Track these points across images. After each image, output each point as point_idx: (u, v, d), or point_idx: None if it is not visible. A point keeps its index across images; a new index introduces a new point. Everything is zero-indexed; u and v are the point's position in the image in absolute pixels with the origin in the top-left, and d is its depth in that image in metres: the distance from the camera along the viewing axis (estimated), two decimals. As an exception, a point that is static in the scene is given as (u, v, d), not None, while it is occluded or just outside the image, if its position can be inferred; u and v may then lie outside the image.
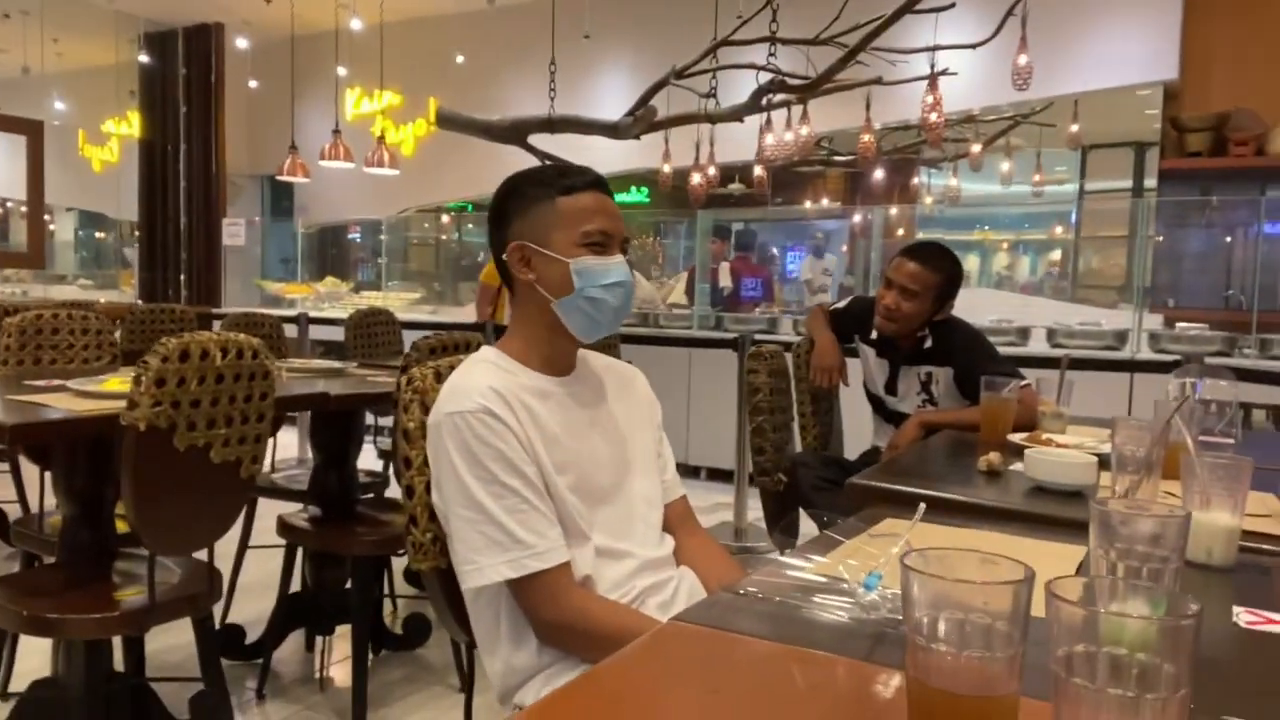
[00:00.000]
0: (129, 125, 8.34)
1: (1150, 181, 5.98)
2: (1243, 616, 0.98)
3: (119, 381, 2.24)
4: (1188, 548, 1.20)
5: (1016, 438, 1.98)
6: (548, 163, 1.47)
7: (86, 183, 8.88)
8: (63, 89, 9.04)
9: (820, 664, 0.82)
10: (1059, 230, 8.28)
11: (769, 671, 0.82)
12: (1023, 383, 2.20)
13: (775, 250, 8.78)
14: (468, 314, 7.36)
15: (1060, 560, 1.19)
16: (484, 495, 1.21)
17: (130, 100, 8.51)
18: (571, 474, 1.29)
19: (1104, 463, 1.58)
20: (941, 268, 2.41)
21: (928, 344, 2.48)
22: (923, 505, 1.05)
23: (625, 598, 1.29)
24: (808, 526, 2.57)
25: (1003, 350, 3.04)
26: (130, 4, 7.55)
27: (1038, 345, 4.57)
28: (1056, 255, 8.44)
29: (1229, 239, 5.90)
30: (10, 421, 1.79)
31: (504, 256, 1.37)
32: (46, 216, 8.80)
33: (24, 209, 8.28)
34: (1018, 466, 1.72)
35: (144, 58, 8.27)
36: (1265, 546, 1.26)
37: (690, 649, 0.87)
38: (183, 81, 8.33)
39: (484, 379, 1.28)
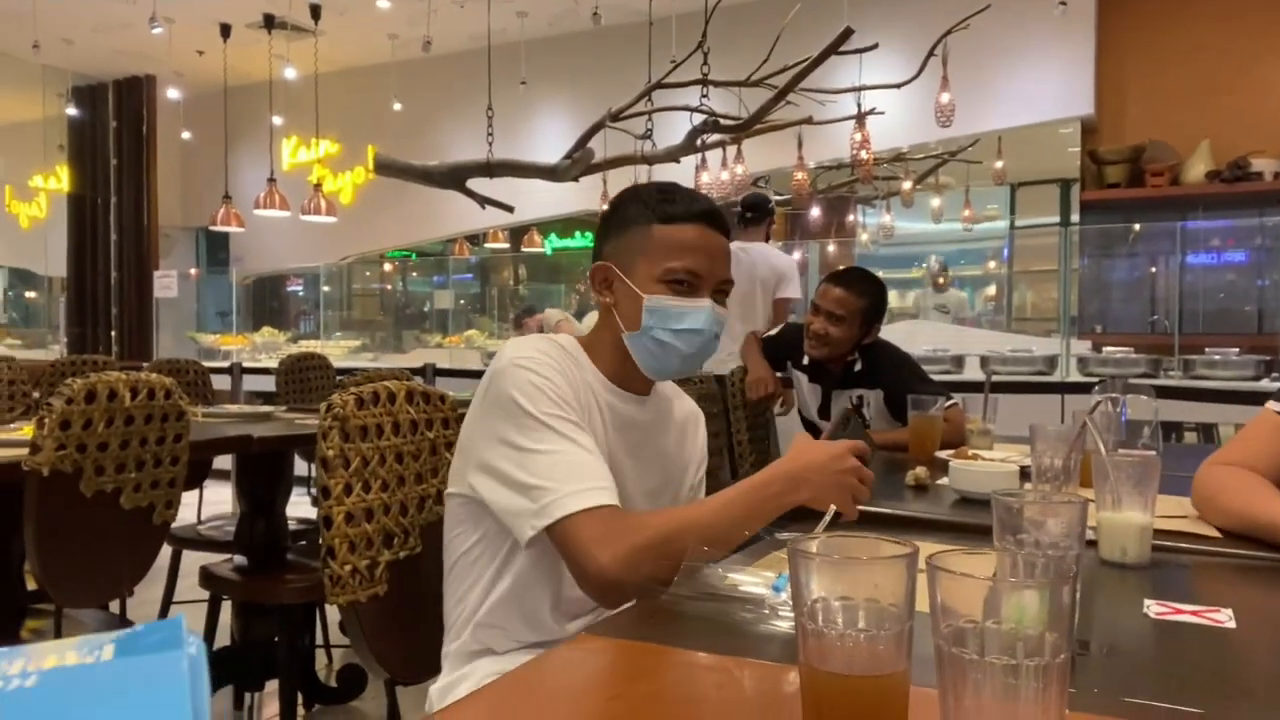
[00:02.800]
0: (57, 180, 8.15)
1: (1075, 216, 6.19)
2: (1153, 608, 0.98)
3: (30, 429, 2.15)
4: (1101, 550, 1.21)
5: (944, 454, 2.00)
6: (662, 188, 1.32)
7: (14, 240, 8.65)
8: (-12, 144, 8.84)
9: (726, 667, 0.80)
10: (992, 265, 8.50)
11: (674, 677, 0.80)
12: (949, 402, 2.23)
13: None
14: (409, 359, 7.27)
15: (979, 563, 1.19)
16: (564, 427, 1.12)
17: (59, 154, 8.34)
18: None
19: (1025, 473, 1.59)
20: (866, 292, 2.45)
21: (857, 367, 2.51)
22: (833, 507, 1.04)
23: None
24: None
25: (938, 377, 3.10)
26: (58, 58, 7.44)
27: (972, 372, 4.65)
28: (992, 290, 8.65)
29: (1152, 267, 6.12)
30: (-98, 472, 1.71)
31: (588, 273, 1.31)
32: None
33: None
34: (944, 481, 1.73)
35: (73, 111, 8.14)
36: (1182, 545, 1.28)
37: (599, 659, 0.85)
38: (113, 134, 8.20)
39: (557, 353, 1.22)
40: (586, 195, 6.63)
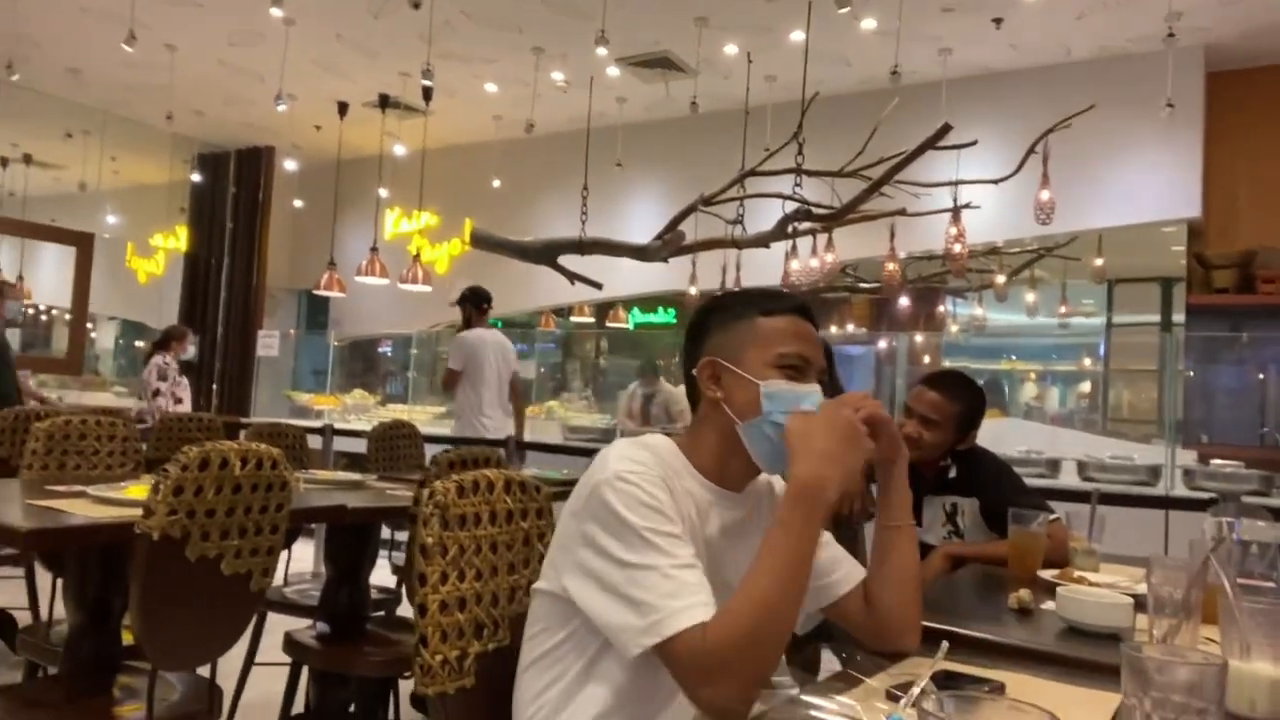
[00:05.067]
0: (176, 239, 8.66)
1: (1178, 316, 5.98)
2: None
3: (138, 489, 2.24)
4: (1228, 698, 1.14)
5: (1048, 574, 1.91)
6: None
7: (131, 293, 9.16)
8: (116, 204, 9.47)
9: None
10: (1087, 362, 8.25)
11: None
12: (1052, 516, 2.14)
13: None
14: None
15: (1093, 707, 1.13)
16: (667, 543, 1.13)
17: (180, 216, 8.88)
18: None
19: (1139, 604, 1.51)
20: (962, 397, 2.39)
21: (952, 474, 2.43)
22: (945, 644, 1.00)
23: None
24: (829, 661, 2.46)
25: (1032, 483, 2.98)
26: (188, 127, 7.98)
27: (1068, 478, 4.47)
28: (1086, 387, 8.39)
29: (1261, 375, 5.84)
30: (25, 527, 1.79)
31: (694, 371, 1.34)
32: (89, 325, 9.06)
33: (67, 316, 8.54)
34: (1049, 605, 1.66)
35: (196, 176, 8.68)
36: (1315, 701, 1.18)
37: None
38: (231, 199, 8.70)
39: (655, 461, 1.23)
40: (675, 275, 6.71)
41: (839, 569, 1.40)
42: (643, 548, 1.12)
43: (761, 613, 1.06)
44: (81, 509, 2.02)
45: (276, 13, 4.85)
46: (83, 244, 7.54)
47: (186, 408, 6.65)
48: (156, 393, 6.41)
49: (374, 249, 6.69)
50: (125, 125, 8.07)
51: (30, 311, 9.81)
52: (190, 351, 6.82)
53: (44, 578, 3.09)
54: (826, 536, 1.43)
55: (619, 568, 1.13)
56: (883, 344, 7.94)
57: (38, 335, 10.45)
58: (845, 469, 1.16)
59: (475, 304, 5.54)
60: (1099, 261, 5.98)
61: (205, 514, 1.81)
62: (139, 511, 1.82)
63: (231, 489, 1.86)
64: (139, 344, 11.94)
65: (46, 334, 10.64)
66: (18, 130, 8.16)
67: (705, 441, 1.32)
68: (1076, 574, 1.94)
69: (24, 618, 3.42)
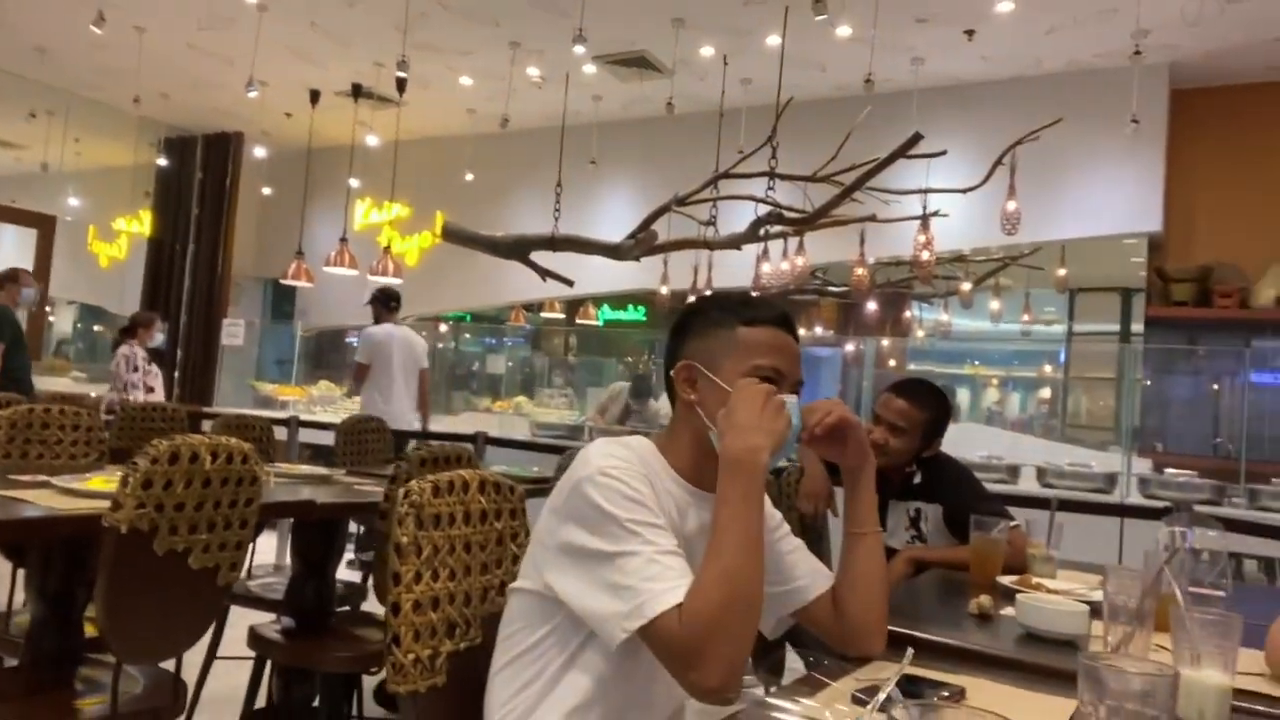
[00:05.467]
0: (140, 224, 8.53)
1: (1137, 326, 6.12)
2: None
3: (103, 480, 2.22)
4: (1179, 707, 1.18)
5: (1006, 580, 1.96)
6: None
7: (92, 277, 9.00)
8: (79, 186, 9.28)
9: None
10: (1048, 369, 8.39)
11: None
12: (1012, 523, 2.20)
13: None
14: (459, 422, 7.35)
15: (1049, 714, 1.17)
16: (650, 532, 1.15)
17: (144, 200, 8.72)
18: None
19: (1095, 611, 1.56)
20: (929, 405, 2.44)
21: (916, 479, 2.49)
22: (910, 650, 1.03)
23: None
24: (795, 664, 2.50)
25: (992, 488, 3.05)
26: (155, 110, 7.85)
27: (1027, 484, 4.57)
28: (1046, 394, 8.54)
29: (1216, 387, 5.99)
30: (-11, 517, 1.77)
31: (672, 372, 1.36)
32: (48, 309, 8.87)
33: (27, 299, 8.35)
34: (1009, 611, 1.70)
35: (162, 161, 8.54)
36: (1258, 707, 1.24)
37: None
38: (198, 185, 8.57)
39: (638, 460, 1.25)
40: (646, 274, 6.73)
41: (807, 574, 1.43)
42: (626, 537, 1.15)
43: (725, 585, 1.09)
44: (46, 500, 1.99)
45: (250, -1, 4.80)
46: (44, 226, 7.40)
47: (159, 397, 6.50)
48: (127, 385, 6.27)
49: (343, 239, 6.63)
50: (91, 106, 7.92)
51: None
52: (158, 339, 6.65)
53: (1, 565, 3.04)
54: (796, 542, 1.46)
55: (602, 559, 1.15)
56: (850, 347, 8.04)
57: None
58: (773, 436, 1.19)
59: (384, 303, 5.87)
60: (1061, 272, 6.10)
61: (174, 508, 1.80)
62: (105, 504, 1.81)
63: (201, 483, 1.85)
64: (97, 328, 11.73)
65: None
66: (-23, 107, 7.97)
67: (681, 442, 1.35)
68: (1035, 580, 1.99)
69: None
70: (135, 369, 6.33)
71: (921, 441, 2.44)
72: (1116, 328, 7.12)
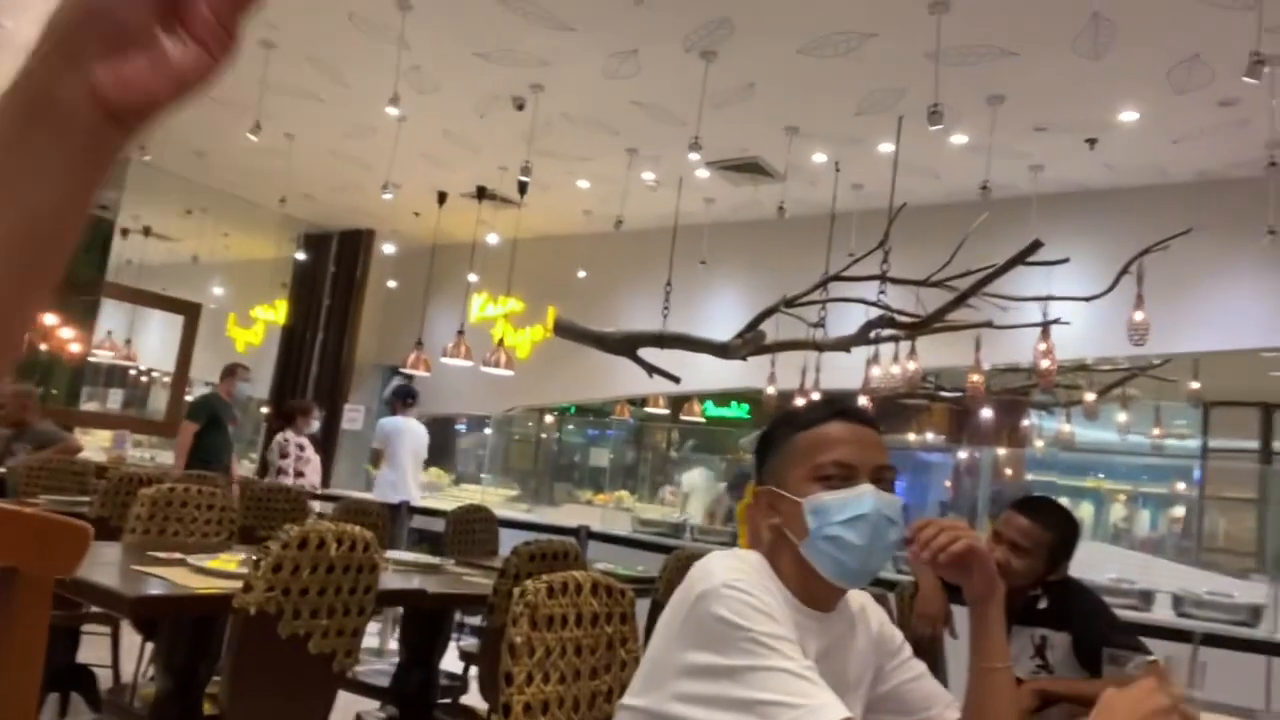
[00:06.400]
0: (275, 312, 9.10)
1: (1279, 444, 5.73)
2: None
3: (230, 560, 2.33)
4: None
5: (1145, 721, 1.82)
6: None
7: (227, 360, 9.59)
8: (224, 276, 10.01)
9: None
10: (1180, 486, 7.91)
11: None
12: (1149, 658, 2.05)
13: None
14: (561, 514, 7.40)
15: None
16: (784, 646, 1.09)
17: (281, 290, 9.32)
18: None
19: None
20: (1055, 524, 2.32)
21: (1042, 604, 2.35)
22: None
23: None
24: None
25: (1123, 615, 2.86)
26: (297, 209, 8.46)
27: (1162, 611, 4.25)
28: (1179, 512, 8.02)
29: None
30: (130, 594, 1.87)
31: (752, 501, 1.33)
32: (186, 389, 9.48)
33: (166, 380, 8.96)
34: (1148, 756, 1.57)
35: (300, 255, 9.14)
36: None
37: None
38: (330, 278, 9.12)
39: (759, 575, 1.21)
40: (753, 373, 6.72)
41: (935, 704, 1.36)
42: (765, 652, 1.08)
43: None
44: (181, 577, 2.10)
45: (392, 111, 5.16)
46: (190, 313, 7.96)
47: (311, 482, 6.69)
48: (279, 471, 6.51)
49: (460, 331, 6.89)
50: (240, 204, 8.59)
51: (132, 373, 10.31)
52: (314, 426, 6.96)
53: (132, 638, 3.18)
54: (920, 667, 1.40)
55: (738, 677, 1.08)
56: (963, 454, 7.77)
57: (136, 396, 10.95)
58: None
59: (401, 399, 7.05)
60: (1195, 385, 5.80)
61: (299, 592, 1.87)
62: (235, 584, 1.89)
63: (325, 569, 1.92)
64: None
65: (144, 395, 11.15)
66: (141, 203, 8.75)
67: (784, 564, 1.29)
68: (1177, 723, 1.84)
69: (103, 675, 3.52)
70: (285, 455, 6.58)
71: (1046, 564, 2.31)
72: (1256, 444, 6.69)
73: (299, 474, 6.63)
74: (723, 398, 10.96)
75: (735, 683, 1.08)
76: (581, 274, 7.69)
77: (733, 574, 1.17)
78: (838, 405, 1.30)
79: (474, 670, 3.28)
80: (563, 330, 6.73)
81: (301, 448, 6.73)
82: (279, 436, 6.66)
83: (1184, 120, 5.01)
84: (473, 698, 2.93)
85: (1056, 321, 4.87)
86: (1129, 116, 5.00)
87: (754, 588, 1.15)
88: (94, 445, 7.74)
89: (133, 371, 10.09)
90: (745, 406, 11.52)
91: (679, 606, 1.20)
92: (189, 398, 10.20)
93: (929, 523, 1.33)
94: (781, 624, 1.13)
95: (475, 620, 4.10)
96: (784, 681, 1.06)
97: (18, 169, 0.44)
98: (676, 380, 6.56)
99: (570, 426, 11.62)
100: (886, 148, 5.48)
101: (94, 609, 3.18)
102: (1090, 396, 5.91)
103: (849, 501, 1.22)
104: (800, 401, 6.10)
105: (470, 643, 3.64)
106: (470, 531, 3.95)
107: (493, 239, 7.70)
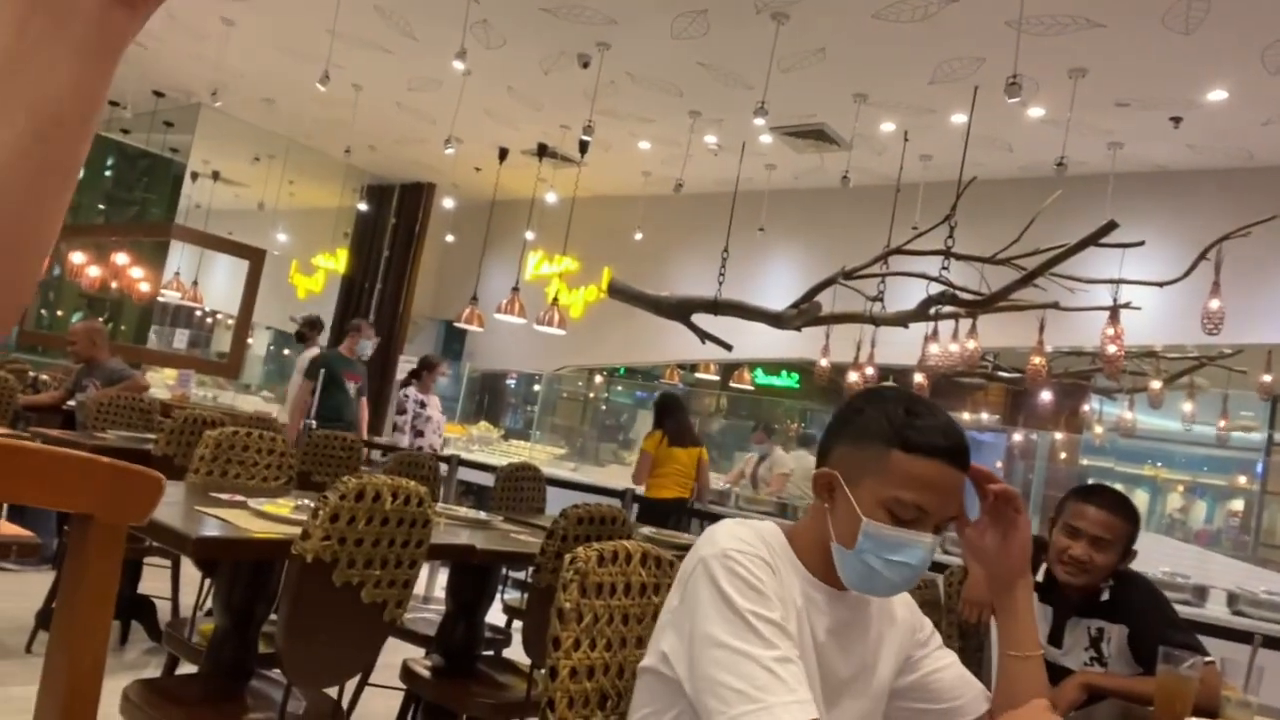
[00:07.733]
0: (336, 261, 9.25)
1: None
2: None
3: (288, 505, 2.38)
4: None
5: (1196, 723, 1.78)
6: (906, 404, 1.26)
7: (288, 306, 9.80)
8: (288, 223, 10.18)
9: None
10: (1242, 480, 7.69)
11: None
12: (1206, 659, 2.00)
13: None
14: (607, 475, 7.45)
15: None
16: (767, 630, 1.10)
17: (342, 240, 9.47)
18: None
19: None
20: (1131, 516, 2.24)
21: (1104, 596, 2.28)
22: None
23: None
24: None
25: (1176, 609, 2.79)
26: (361, 160, 8.54)
27: (1217, 608, 4.15)
28: (1238, 506, 7.81)
29: None
30: (194, 535, 1.93)
31: (816, 471, 1.29)
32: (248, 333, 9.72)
33: (229, 323, 9.18)
34: (1200, 760, 1.54)
35: (362, 205, 9.25)
36: None
37: None
38: (390, 229, 9.23)
39: (765, 550, 1.20)
40: (806, 344, 6.66)
41: (965, 694, 1.34)
42: (745, 632, 1.10)
43: None
44: (243, 520, 2.16)
45: (458, 65, 5.15)
46: (254, 258, 8.12)
47: (431, 443, 6.35)
48: (395, 428, 6.25)
49: (515, 288, 6.93)
50: (306, 153, 8.70)
51: (198, 314, 10.59)
52: (440, 382, 6.55)
53: (192, 573, 3.30)
54: (949, 657, 1.38)
55: (717, 647, 1.10)
56: (1017, 436, 7.63)
57: (201, 336, 11.26)
58: None
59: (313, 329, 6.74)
60: (1267, 377, 5.58)
61: (354, 542, 1.91)
62: (294, 530, 1.94)
63: (380, 521, 1.95)
64: (286, 353, 12.72)
65: (209, 336, 11.46)
66: (211, 149, 8.92)
67: (812, 541, 1.27)
68: (1230, 728, 1.80)
69: (162, 605, 3.67)
70: (403, 412, 6.28)
71: (1121, 556, 2.25)
72: (1327, 443, 6.44)
73: (418, 432, 6.28)
74: (773, 366, 10.89)
75: (708, 654, 1.10)
76: (638, 236, 7.66)
77: (736, 544, 1.17)
78: (950, 444, 1.19)
79: (517, 624, 3.34)
80: (617, 292, 6.72)
81: (422, 404, 6.32)
82: (401, 392, 6.37)
83: (1276, 102, 4.78)
84: (515, 651, 2.98)
85: (1127, 306, 4.72)
86: (1217, 95, 4.78)
87: (751, 561, 1.15)
88: (159, 383, 7.99)
89: (198, 313, 10.37)
90: (795, 376, 11.45)
91: (685, 567, 1.22)
92: (251, 340, 10.46)
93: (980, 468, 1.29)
94: (773, 601, 1.13)
95: (519, 575, 4.17)
96: (752, 672, 1.06)
97: (24, 56, 0.42)
98: (729, 348, 6.52)
99: (619, 388, 11.68)
100: (959, 118, 5.33)
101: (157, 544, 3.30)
102: (1156, 384, 5.74)
103: (906, 546, 1.19)
104: (870, 378, 6.01)
105: (514, 596, 3.70)
106: (518, 489, 4.00)
107: (551, 197, 7.70)
